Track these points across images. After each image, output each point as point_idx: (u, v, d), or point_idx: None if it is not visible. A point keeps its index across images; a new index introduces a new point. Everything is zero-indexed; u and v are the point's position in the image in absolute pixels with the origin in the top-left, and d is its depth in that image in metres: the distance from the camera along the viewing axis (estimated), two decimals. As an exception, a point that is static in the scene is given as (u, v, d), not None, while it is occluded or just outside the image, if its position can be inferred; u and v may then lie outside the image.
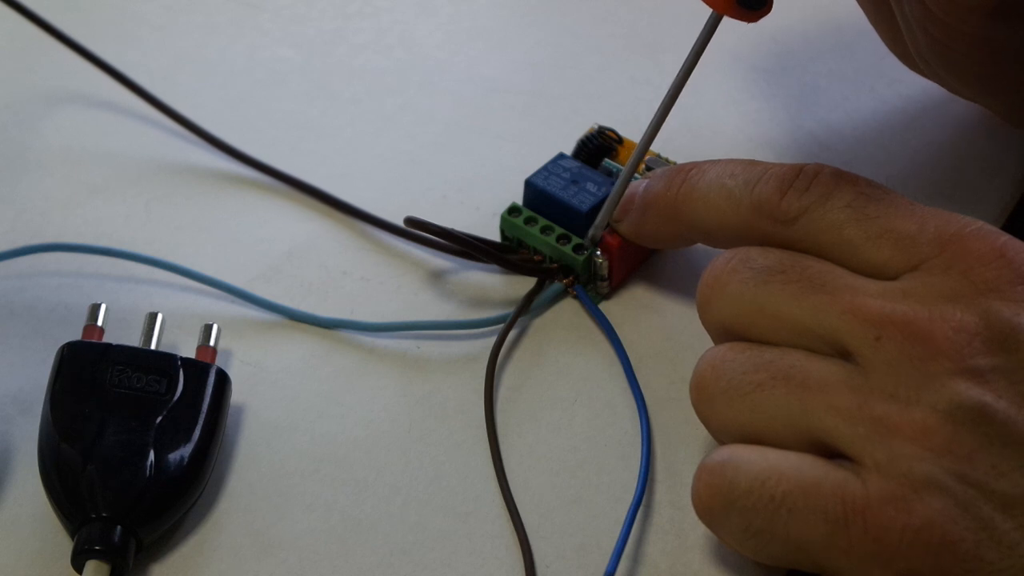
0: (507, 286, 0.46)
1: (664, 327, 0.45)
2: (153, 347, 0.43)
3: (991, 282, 0.36)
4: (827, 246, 0.38)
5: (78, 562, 0.38)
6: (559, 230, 0.45)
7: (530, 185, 0.46)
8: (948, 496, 0.34)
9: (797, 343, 0.37)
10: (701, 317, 0.39)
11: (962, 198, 0.48)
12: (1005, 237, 0.37)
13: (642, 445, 0.42)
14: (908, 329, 0.35)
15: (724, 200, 0.40)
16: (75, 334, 0.43)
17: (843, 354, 0.36)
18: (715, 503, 0.37)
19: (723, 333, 0.39)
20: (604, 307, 0.45)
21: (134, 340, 0.43)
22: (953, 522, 0.34)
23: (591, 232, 0.45)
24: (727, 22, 0.41)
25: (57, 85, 0.53)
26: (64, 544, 0.39)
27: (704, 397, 0.38)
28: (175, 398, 0.41)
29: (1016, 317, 0.35)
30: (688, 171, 0.42)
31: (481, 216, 0.48)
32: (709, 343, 0.39)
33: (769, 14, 0.40)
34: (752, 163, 0.40)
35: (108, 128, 0.51)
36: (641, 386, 0.43)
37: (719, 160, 0.41)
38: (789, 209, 0.38)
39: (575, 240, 0.45)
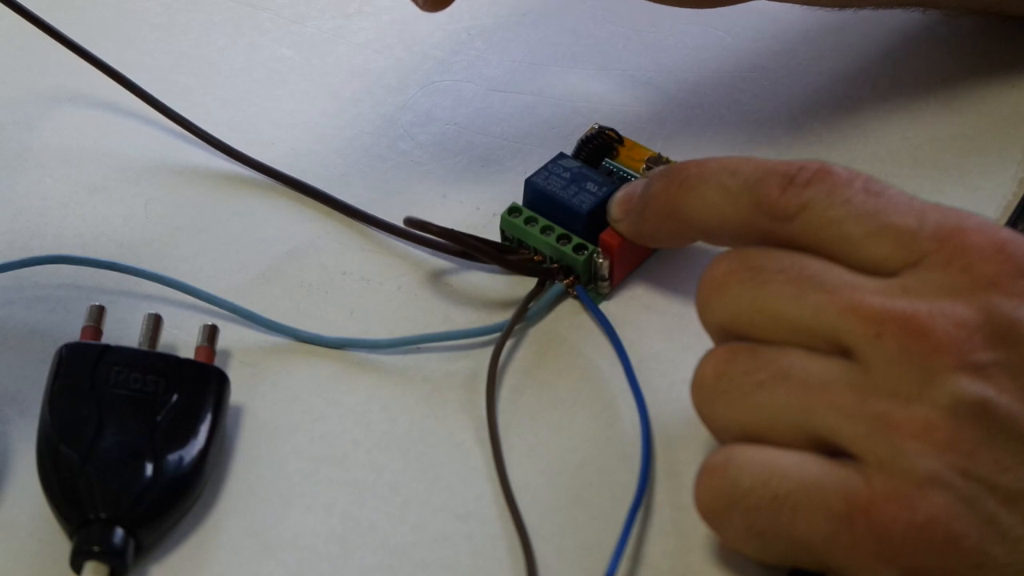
0: (507, 286, 0.46)
1: (665, 327, 0.45)
2: (152, 348, 0.42)
3: (991, 276, 0.36)
4: (826, 242, 0.37)
5: (77, 563, 0.38)
6: (559, 230, 0.45)
7: (530, 185, 0.46)
8: (951, 492, 0.34)
9: (797, 342, 0.37)
10: (701, 318, 0.39)
11: (963, 195, 0.48)
12: (1005, 231, 0.36)
13: (642, 445, 0.41)
14: (908, 325, 0.35)
15: (723, 198, 0.40)
16: (74, 335, 0.42)
17: (843, 352, 0.36)
18: (717, 503, 0.37)
19: (723, 334, 0.39)
20: (604, 307, 0.45)
21: (133, 341, 0.43)
22: (957, 518, 0.34)
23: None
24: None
25: (56, 85, 0.53)
26: (63, 545, 0.39)
27: (705, 397, 0.38)
28: (174, 399, 0.41)
29: (1017, 311, 0.35)
30: (687, 169, 0.41)
31: (481, 216, 0.48)
32: (710, 343, 0.39)
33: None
34: (751, 160, 0.40)
35: (107, 128, 0.51)
36: (642, 386, 0.43)
37: (718, 157, 0.41)
38: (788, 205, 0.38)
39: (575, 240, 0.45)
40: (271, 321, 0.45)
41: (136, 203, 0.49)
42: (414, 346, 0.44)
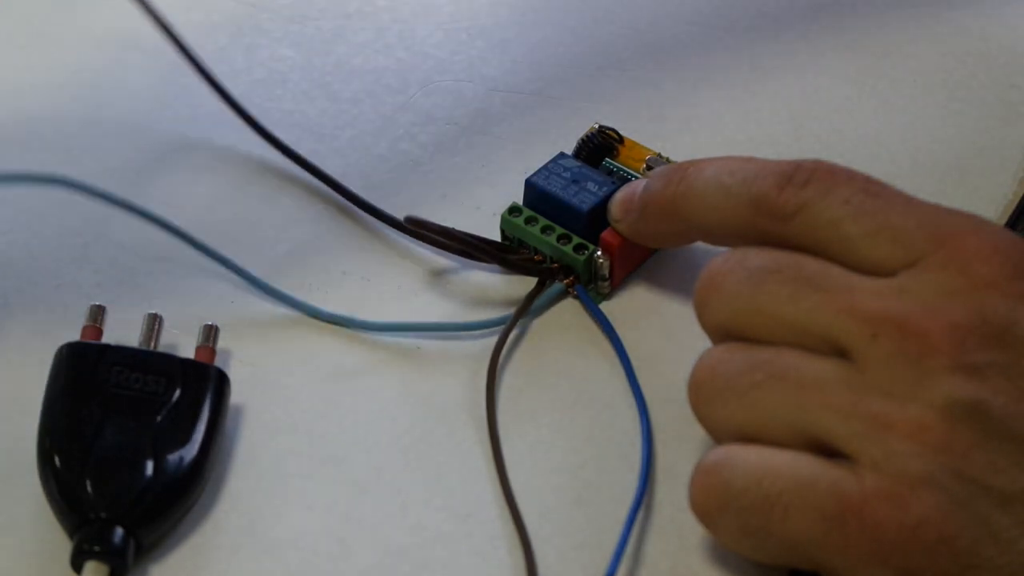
0: (507, 286, 0.46)
1: (665, 327, 0.45)
2: (152, 348, 0.42)
3: (988, 278, 0.36)
4: (825, 242, 0.38)
5: (77, 563, 0.38)
6: (560, 230, 0.45)
7: (530, 185, 0.46)
8: (945, 493, 0.34)
9: (794, 342, 0.37)
10: (699, 319, 0.39)
11: (963, 196, 0.48)
12: (1003, 233, 0.37)
13: (642, 445, 0.41)
14: (904, 326, 0.35)
15: (722, 197, 0.40)
16: (74, 334, 0.42)
17: (840, 353, 0.36)
18: (711, 503, 0.37)
19: (721, 334, 0.39)
20: (605, 307, 0.45)
21: (133, 341, 0.43)
22: (950, 519, 0.34)
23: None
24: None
25: (57, 85, 0.52)
26: (63, 545, 0.39)
27: (701, 398, 0.38)
28: (174, 399, 0.41)
29: (1013, 313, 0.35)
30: (686, 169, 0.41)
31: (481, 216, 0.48)
32: (710, 343, 0.39)
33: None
34: (750, 160, 0.40)
35: (108, 128, 0.51)
36: (642, 386, 0.43)
37: (717, 157, 0.41)
38: (787, 205, 0.38)
39: (576, 240, 0.45)
40: (280, 291, 0.45)
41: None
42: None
